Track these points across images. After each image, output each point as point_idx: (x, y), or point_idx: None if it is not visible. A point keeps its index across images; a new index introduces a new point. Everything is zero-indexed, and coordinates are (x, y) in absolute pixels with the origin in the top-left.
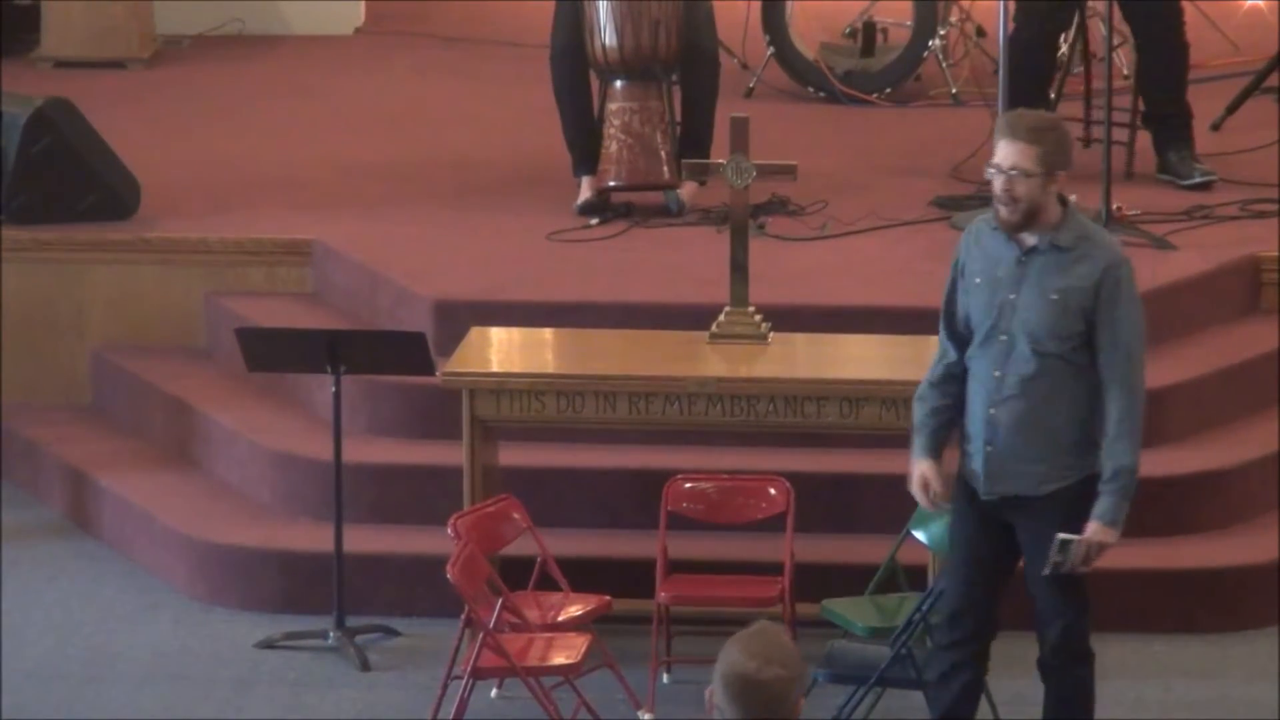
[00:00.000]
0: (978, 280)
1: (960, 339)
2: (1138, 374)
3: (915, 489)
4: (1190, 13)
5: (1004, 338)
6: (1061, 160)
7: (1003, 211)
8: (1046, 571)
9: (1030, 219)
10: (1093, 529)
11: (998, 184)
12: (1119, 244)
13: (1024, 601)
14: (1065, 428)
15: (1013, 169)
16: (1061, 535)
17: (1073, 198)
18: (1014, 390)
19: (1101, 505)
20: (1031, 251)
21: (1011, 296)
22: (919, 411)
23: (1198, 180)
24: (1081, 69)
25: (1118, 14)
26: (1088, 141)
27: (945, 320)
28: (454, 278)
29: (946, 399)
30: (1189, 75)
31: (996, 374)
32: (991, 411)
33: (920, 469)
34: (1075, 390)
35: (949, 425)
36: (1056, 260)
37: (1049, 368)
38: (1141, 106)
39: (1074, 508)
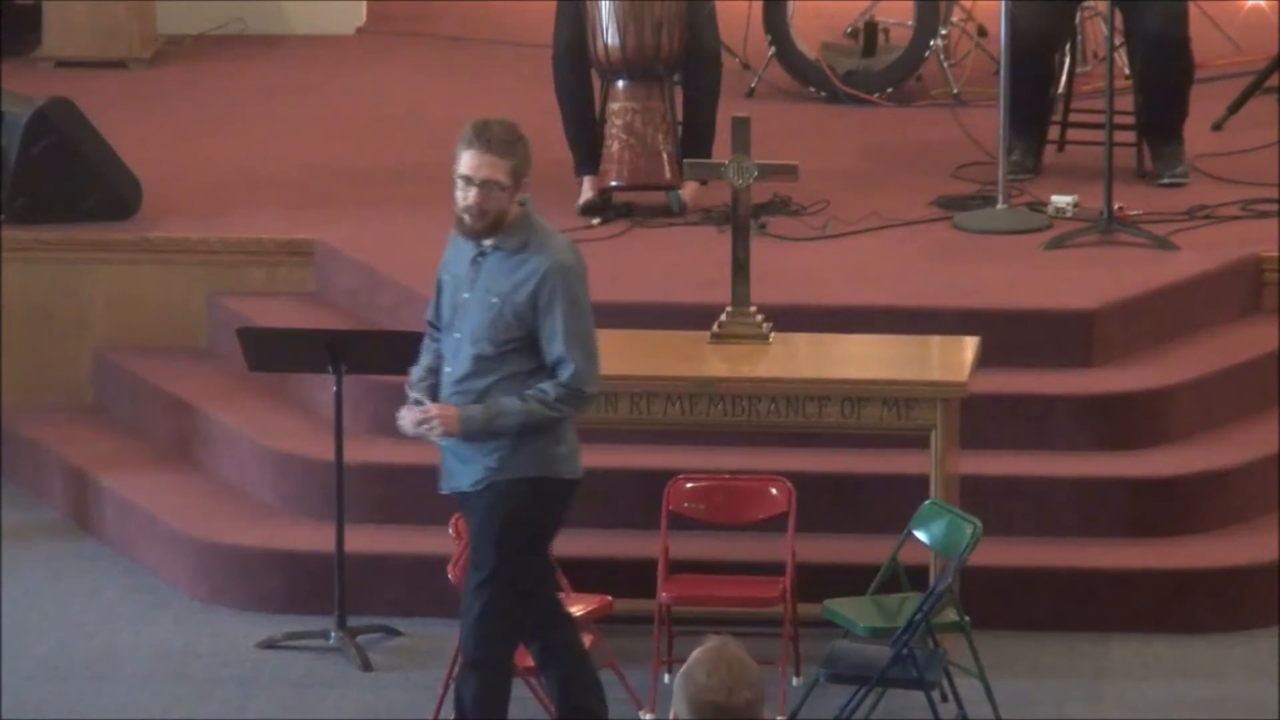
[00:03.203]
0: (446, 277)
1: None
2: (576, 385)
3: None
4: (1191, 12)
5: (457, 335)
6: (527, 169)
7: (467, 220)
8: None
9: (495, 228)
10: (447, 408)
11: (468, 195)
12: (567, 249)
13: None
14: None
15: (485, 182)
16: (415, 394)
17: (527, 197)
18: (454, 388)
19: (473, 408)
20: (483, 254)
21: (465, 296)
22: (410, 395)
23: (1166, 181)
24: (1087, 69)
25: (1119, 15)
26: (1062, 145)
27: (432, 312)
28: None
29: (429, 391)
30: (1191, 80)
31: (448, 370)
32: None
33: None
34: (510, 395)
35: None
36: (502, 264)
37: (485, 369)
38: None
39: (499, 508)
